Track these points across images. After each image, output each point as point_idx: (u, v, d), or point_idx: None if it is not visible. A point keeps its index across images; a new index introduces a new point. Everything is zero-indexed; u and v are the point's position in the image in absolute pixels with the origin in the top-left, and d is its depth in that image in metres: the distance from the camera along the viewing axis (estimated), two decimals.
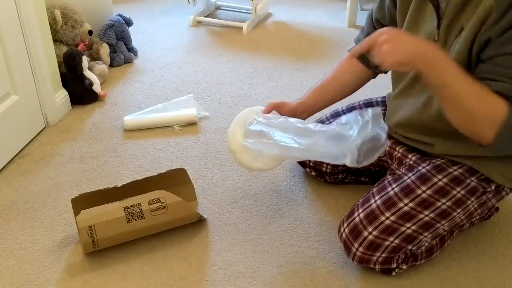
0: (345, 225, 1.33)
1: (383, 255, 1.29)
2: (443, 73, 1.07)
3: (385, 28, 1.10)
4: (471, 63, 1.15)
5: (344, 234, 1.32)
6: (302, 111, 1.45)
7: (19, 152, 1.85)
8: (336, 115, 1.58)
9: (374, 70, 1.47)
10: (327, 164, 1.58)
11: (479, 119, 1.09)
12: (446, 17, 1.17)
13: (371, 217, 1.29)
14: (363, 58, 1.43)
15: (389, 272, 1.35)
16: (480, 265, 1.41)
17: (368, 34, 1.40)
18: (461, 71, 1.08)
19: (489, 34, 1.09)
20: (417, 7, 1.25)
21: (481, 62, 1.13)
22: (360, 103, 1.59)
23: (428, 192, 1.28)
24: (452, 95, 1.09)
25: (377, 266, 1.32)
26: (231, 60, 2.50)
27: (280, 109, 1.43)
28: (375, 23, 1.42)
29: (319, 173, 1.63)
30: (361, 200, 1.35)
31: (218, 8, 3.11)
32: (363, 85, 1.52)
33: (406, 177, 1.32)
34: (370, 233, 1.28)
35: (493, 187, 1.30)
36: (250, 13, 2.85)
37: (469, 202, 1.29)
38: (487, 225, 1.53)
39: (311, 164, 1.63)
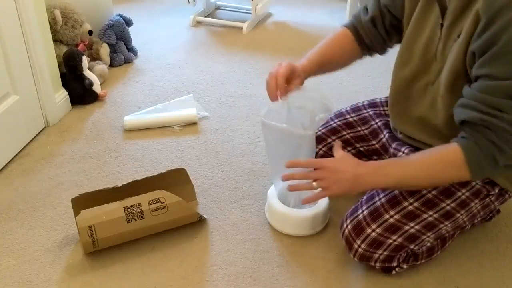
0: (348, 221, 1.33)
1: (385, 253, 1.29)
2: (383, 181, 1.18)
3: (320, 161, 1.25)
4: (468, 71, 1.14)
5: (346, 230, 1.32)
6: (305, 76, 1.40)
7: (19, 152, 1.85)
8: (340, 115, 1.57)
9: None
10: None
11: (445, 178, 1.19)
12: (447, 18, 1.17)
13: (375, 214, 1.29)
14: (359, 37, 1.41)
15: (389, 271, 1.35)
16: (480, 265, 1.41)
17: (372, 18, 1.38)
18: (399, 164, 1.20)
19: (474, 47, 1.08)
20: (425, 4, 1.24)
21: (470, 81, 1.14)
22: (364, 103, 1.58)
23: (433, 192, 1.28)
24: (408, 185, 1.23)
25: (378, 264, 1.32)
26: (231, 60, 2.50)
27: (293, 73, 1.36)
28: (384, 9, 1.37)
29: None
30: (365, 197, 1.35)
31: (218, 8, 3.11)
32: (352, 62, 1.48)
33: None
34: (373, 230, 1.28)
35: (496, 190, 1.30)
36: (250, 13, 2.85)
37: (472, 204, 1.29)
38: (487, 226, 1.53)
39: None
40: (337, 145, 1.30)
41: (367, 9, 1.41)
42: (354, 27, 1.43)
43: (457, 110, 1.15)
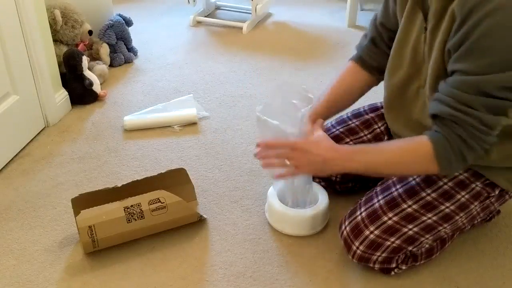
0: (346, 223, 1.33)
1: (383, 254, 1.29)
2: (353, 167, 1.22)
3: (294, 143, 1.25)
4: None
5: (345, 232, 1.32)
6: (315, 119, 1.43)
7: (19, 152, 1.85)
8: (342, 122, 1.57)
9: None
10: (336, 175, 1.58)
11: (414, 169, 1.20)
12: (430, 21, 1.17)
13: (373, 216, 1.29)
14: (365, 64, 1.43)
15: (388, 272, 1.35)
16: (480, 265, 1.41)
17: (372, 39, 1.41)
18: (370, 151, 1.22)
19: (449, 45, 1.09)
20: (411, 9, 1.24)
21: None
22: (365, 108, 1.57)
23: (433, 195, 1.27)
24: (376, 172, 1.25)
25: (377, 265, 1.32)
26: (231, 60, 2.50)
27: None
28: (380, 27, 1.40)
29: (329, 183, 1.60)
30: (363, 199, 1.35)
31: (218, 8, 3.11)
32: (368, 90, 1.50)
33: (411, 178, 1.31)
34: (371, 232, 1.28)
35: (497, 192, 1.29)
36: (250, 13, 2.85)
37: (472, 206, 1.28)
38: (487, 226, 1.53)
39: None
40: (318, 125, 1.35)
41: (366, 35, 1.45)
42: (359, 56, 1.45)
43: (431, 104, 1.16)
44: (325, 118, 1.45)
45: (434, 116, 1.15)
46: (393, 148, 1.21)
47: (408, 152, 1.18)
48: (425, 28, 1.19)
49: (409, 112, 1.32)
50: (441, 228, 1.28)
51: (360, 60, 1.45)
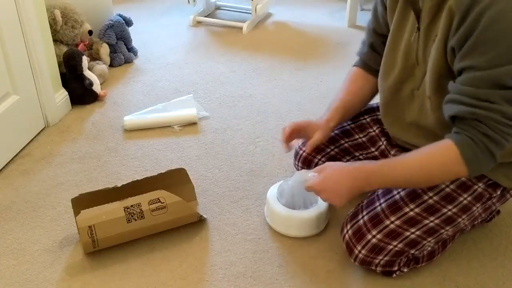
0: (348, 226, 1.32)
1: (386, 258, 1.29)
2: (381, 186, 1.24)
3: (313, 183, 1.25)
4: (451, 68, 1.14)
5: (347, 236, 1.32)
6: (330, 127, 1.44)
7: (19, 152, 1.85)
8: (346, 132, 1.56)
9: None
10: None
11: (442, 176, 1.18)
12: (423, 21, 1.16)
13: (376, 220, 1.28)
14: (370, 68, 1.43)
15: (390, 274, 1.35)
16: (480, 265, 1.41)
17: (371, 44, 1.42)
18: (395, 166, 1.19)
19: (452, 42, 1.08)
20: (402, 10, 1.24)
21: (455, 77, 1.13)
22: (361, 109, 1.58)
23: (435, 198, 1.27)
24: (405, 186, 1.25)
25: (379, 268, 1.32)
26: (231, 60, 2.50)
27: (305, 129, 1.43)
28: (373, 33, 1.40)
29: None
30: (365, 202, 1.35)
31: (218, 8, 3.11)
32: (378, 92, 1.50)
33: None
34: (374, 236, 1.27)
35: (498, 192, 1.29)
36: (250, 13, 2.85)
37: (474, 208, 1.28)
38: (487, 226, 1.53)
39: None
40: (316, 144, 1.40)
41: (364, 42, 1.46)
42: (362, 61, 1.46)
43: (445, 106, 1.14)
44: (339, 123, 1.46)
45: (453, 118, 1.13)
46: (418, 158, 1.17)
47: (435, 161, 1.15)
48: (418, 28, 1.19)
49: (405, 115, 1.31)
50: (443, 231, 1.28)
51: (364, 65, 1.45)
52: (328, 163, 1.28)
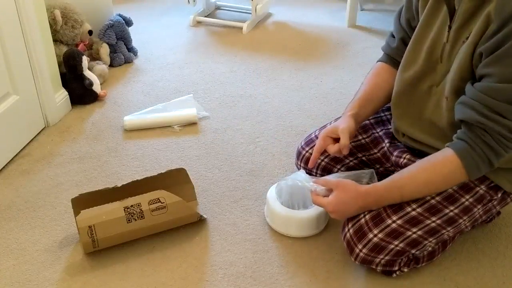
0: (349, 225, 1.32)
1: (386, 257, 1.29)
2: (387, 202, 1.26)
3: (325, 202, 1.28)
4: (474, 72, 1.14)
5: (348, 234, 1.31)
6: (358, 122, 1.42)
7: (19, 152, 1.85)
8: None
9: None
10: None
11: (446, 186, 1.24)
12: (457, 20, 1.16)
13: (377, 219, 1.28)
14: (398, 64, 1.40)
15: (390, 274, 1.35)
16: (480, 265, 1.41)
17: (402, 39, 1.39)
18: (400, 182, 1.23)
19: (482, 48, 1.08)
20: (433, 6, 1.24)
21: (474, 81, 1.14)
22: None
23: (437, 198, 1.27)
24: (412, 198, 1.26)
25: (379, 268, 1.32)
26: (231, 60, 2.50)
27: (333, 134, 1.39)
28: (405, 24, 1.38)
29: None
30: None
31: (218, 8, 3.11)
32: None
33: None
34: (375, 235, 1.27)
35: (499, 195, 1.29)
36: (250, 13, 2.85)
37: (475, 209, 1.29)
38: (487, 226, 1.53)
39: (318, 172, 1.60)
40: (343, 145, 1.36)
41: (393, 35, 1.44)
42: (388, 56, 1.45)
43: (457, 106, 1.16)
44: (364, 119, 1.45)
45: (461, 121, 1.15)
46: (421, 172, 1.22)
47: (439, 174, 1.20)
48: (449, 27, 1.18)
49: (418, 110, 1.31)
50: (444, 231, 1.28)
51: (390, 60, 1.44)
52: (340, 182, 1.29)
